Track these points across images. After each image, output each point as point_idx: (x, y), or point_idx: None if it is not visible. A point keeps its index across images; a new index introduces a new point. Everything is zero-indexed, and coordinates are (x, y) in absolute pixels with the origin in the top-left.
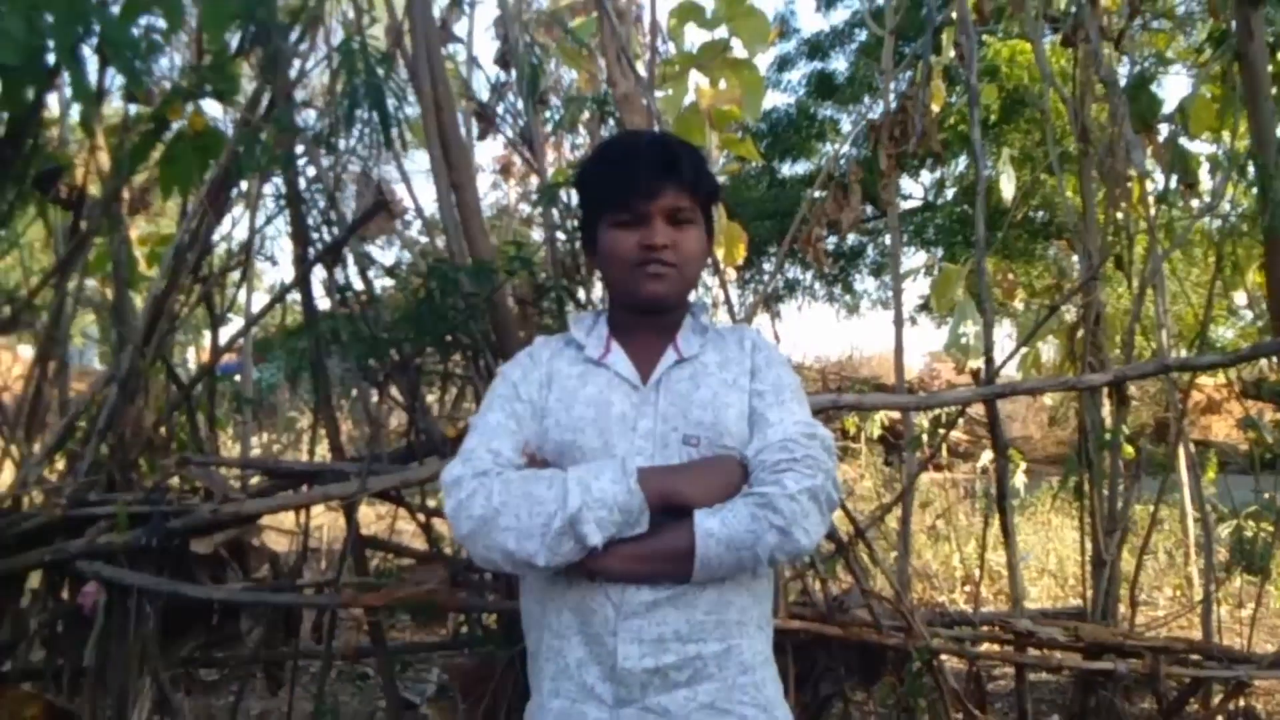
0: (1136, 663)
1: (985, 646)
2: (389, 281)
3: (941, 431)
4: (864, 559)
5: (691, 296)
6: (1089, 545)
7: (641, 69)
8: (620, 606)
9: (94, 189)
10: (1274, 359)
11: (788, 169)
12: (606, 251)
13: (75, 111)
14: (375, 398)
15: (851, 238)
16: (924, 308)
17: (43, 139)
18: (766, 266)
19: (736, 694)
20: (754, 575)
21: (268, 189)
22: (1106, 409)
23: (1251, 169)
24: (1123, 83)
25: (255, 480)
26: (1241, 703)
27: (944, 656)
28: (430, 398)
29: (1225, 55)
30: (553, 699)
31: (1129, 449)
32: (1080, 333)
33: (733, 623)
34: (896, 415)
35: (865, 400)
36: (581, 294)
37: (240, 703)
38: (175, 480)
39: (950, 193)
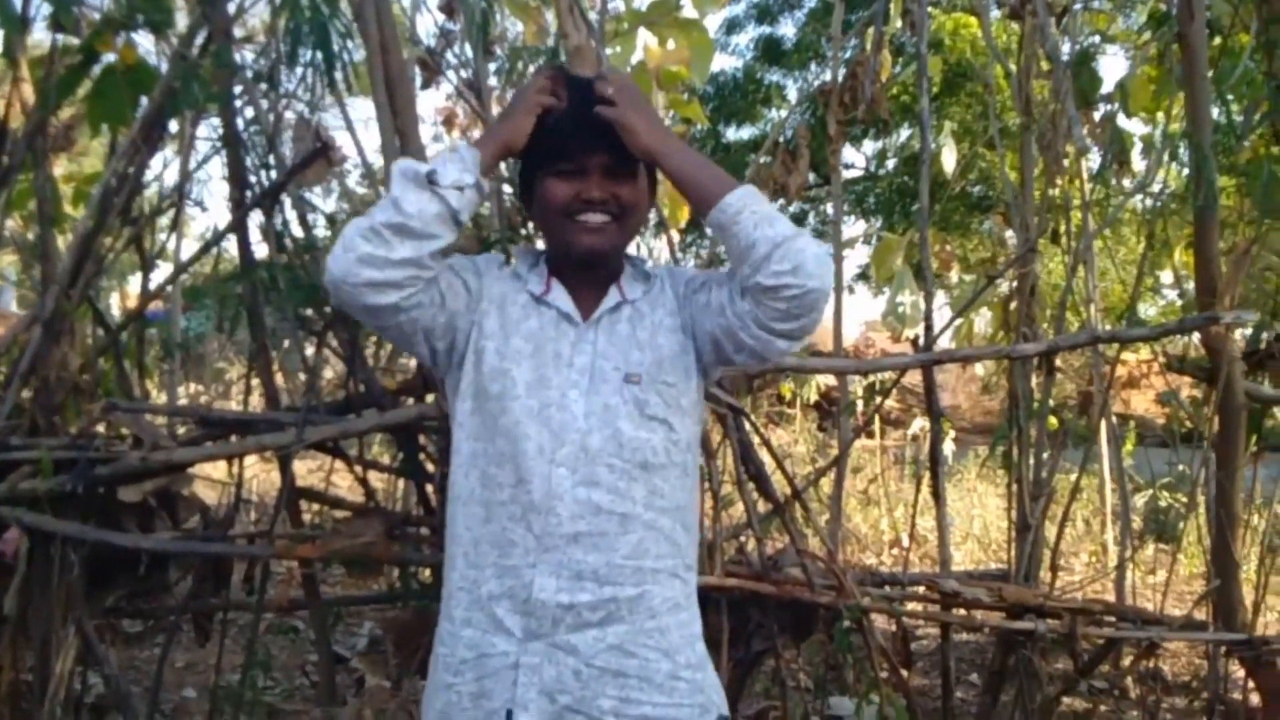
0: (1055, 623)
1: (912, 606)
2: (326, 232)
3: (878, 399)
4: (799, 520)
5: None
6: (1014, 511)
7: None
8: (541, 538)
9: (16, 123)
10: (1195, 335)
11: (733, 134)
12: (543, 202)
13: None
14: (312, 348)
15: (794, 205)
16: (862, 277)
17: None
18: (709, 231)
19: (642, 638)
20: (676, 522)
21: (202, 129)
22: (1036, 381)
23: (1185, 149)
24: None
25: (185, 429)
26: (1151, 664)
27: (873, 615)
28: (368, 350)
29: (1165, 36)
30: (464, 628)
31: (1053, 420)
32: (1014, 304)
33: (649, 570)
34: (833, 381)
35: (806, 364)
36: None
37: (167, 654)
38: (102, 427)
39: (892, 163)
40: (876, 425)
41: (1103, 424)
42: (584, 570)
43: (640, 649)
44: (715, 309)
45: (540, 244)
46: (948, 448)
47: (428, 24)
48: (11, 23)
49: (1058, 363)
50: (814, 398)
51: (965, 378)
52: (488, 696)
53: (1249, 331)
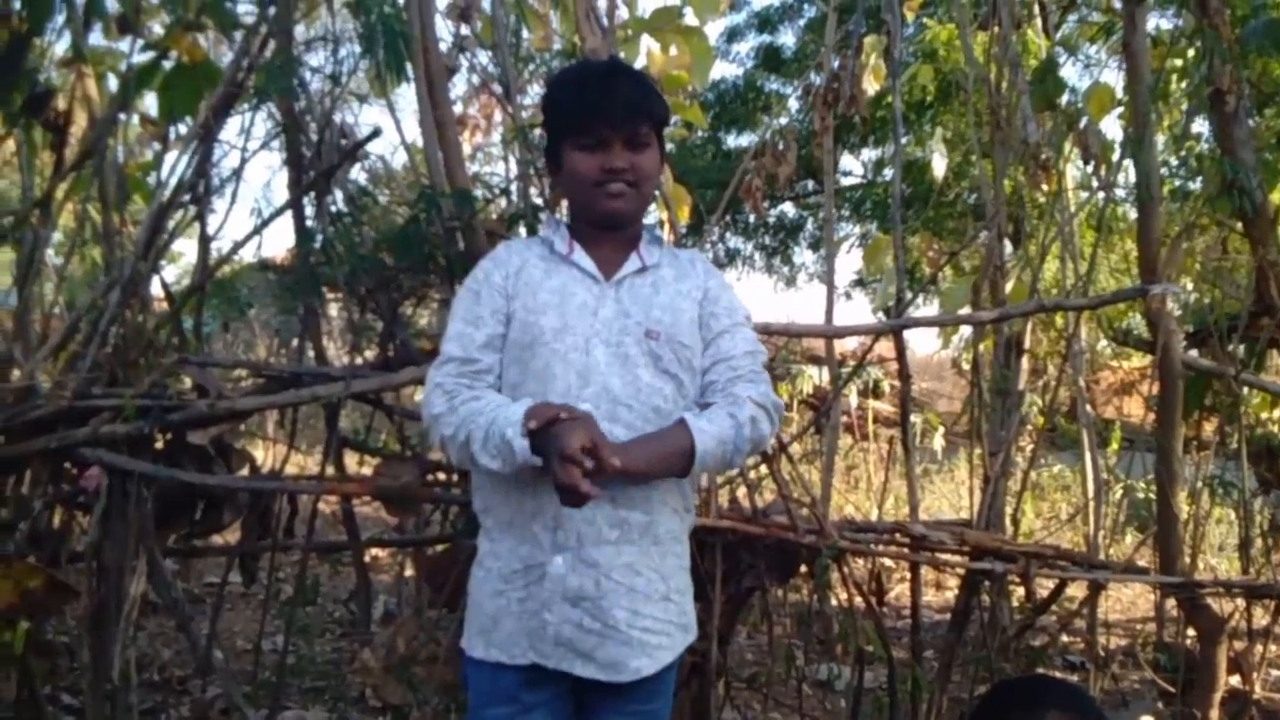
0: (1012, 565)
1: (884, 548)
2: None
3: (859, 376)
4: (785, 473)
5: (649, 219)
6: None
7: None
8: None
9: (81, 115)
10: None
11: (733, 140)
12: (569, 172)
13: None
14: (358, 311)
15: (791, 211)
16: (858, 283)
17: (34, 63)
18: (711, 236)
19: (646, 560)
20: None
21: (259, 117)
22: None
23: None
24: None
25: (245, 382)
26: (1100, 609)
27: (850, 556)
28: (406, 313)
29: (1113, 46)
30: (520, 545)
31: (1041, 419)
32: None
33: (656, 501)
34: (822, 382)
35: (791, 328)
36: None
37: (224, 587)
38: (170, 381)
39: (888, 171)
40: (870, 427)
41: (1084, 423)
42: (603, 492)
43: (645, 569)
44: (704, 359)
45: (559, 214)
46: (938, 443)
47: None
48: (79, 23)
49: (1049, 369)
50: (808, 390)
51: (962, 384)
52: (532, 599)
53: (1182, 303)
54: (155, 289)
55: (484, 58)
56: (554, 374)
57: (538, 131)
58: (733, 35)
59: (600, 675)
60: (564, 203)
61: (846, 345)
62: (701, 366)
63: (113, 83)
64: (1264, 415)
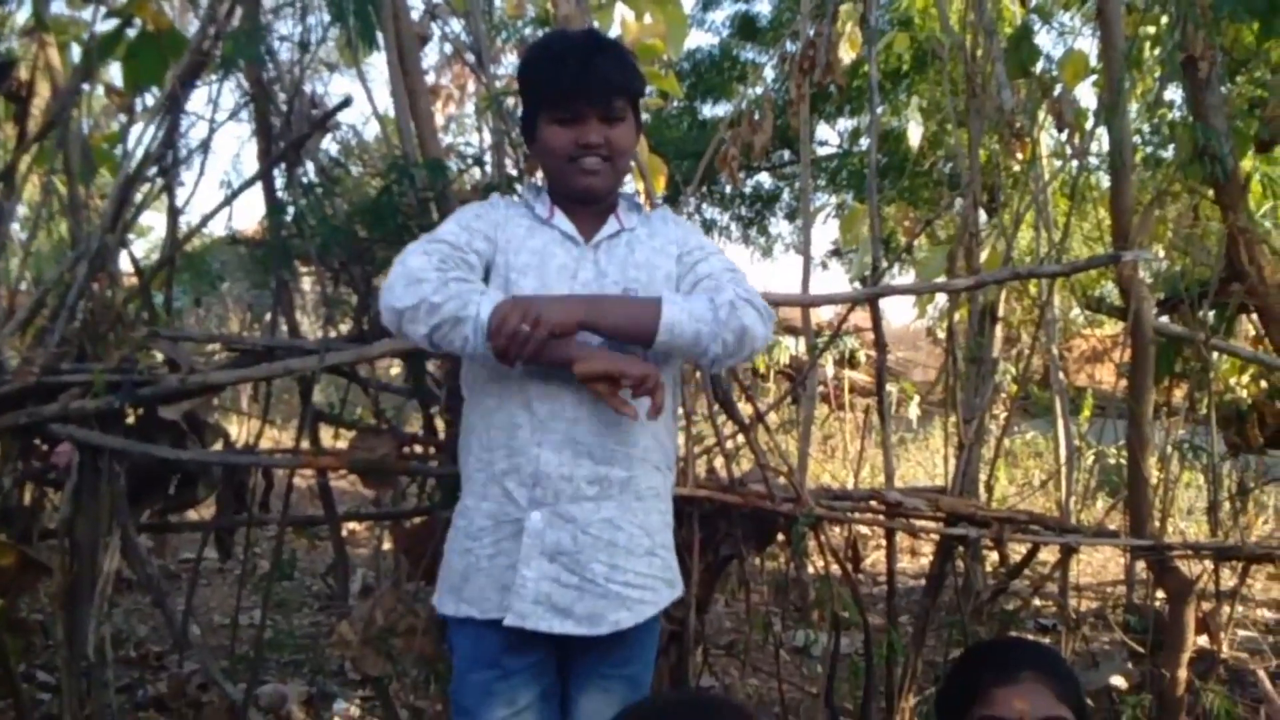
0: (986, 530)
1: (860, 515)
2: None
3: (835, 345)
4: (762, 442)
5: (626, 189)
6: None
7: None
8: (545, 421)
9: (43, 86)
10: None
11: (709, 110)
12: (544, 145)
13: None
14: (331, 284)
15: (767, 182)
16: (835, 253)
17: None
18: (688, 206)
19: (628, 515)
20: (658, 421)
21: (227, 86)
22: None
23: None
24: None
25: (217, 356)
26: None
27: (827, 524)
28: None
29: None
30: (482, 501)
31: (1014, 386)
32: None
33: (636, 458)
34: (799, 352)
35: (767, 298)
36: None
37: (200, 563)
38: (140, 355)
39: (864, 141)
40: (846, 395)
41: (1057, 390)
42: (581, 449)
43: (626, 524)
44: (684, 287)
45: (538, 179)
46: (913, 412)
47: None
48: None
49: (1024, 337)
50: (784, 361)
51: (938, 353)
52: (502, 555)
53: (1153, 270)
54: (124, 263)
55: (457, 26)
56: None
57: (511, 101)
58: (708, 4)
59: (577, 630)
60: (539, 173)
61: (823, 315)
62: (689, 284)
63: (76, 52)
64: (1233, 380)
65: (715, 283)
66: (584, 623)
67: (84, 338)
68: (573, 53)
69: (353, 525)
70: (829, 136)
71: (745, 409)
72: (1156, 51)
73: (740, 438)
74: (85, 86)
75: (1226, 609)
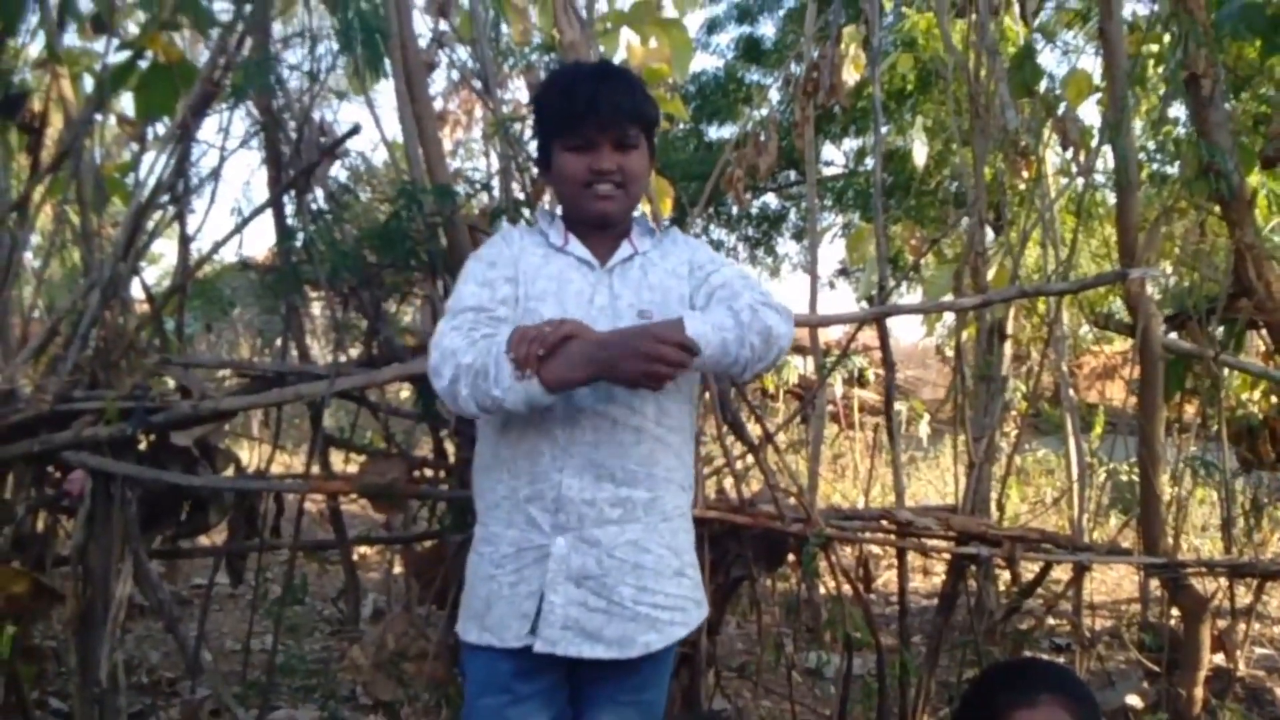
0: (997, 549)
1: (871, 535)
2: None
3: (844, 365)
4: (772, 462)
5: (635, 213)
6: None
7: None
8: (566, 446)
9: (56, 117)
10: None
11: (715, 132)
12: (559, 173)
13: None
14: (341, 309)
15: (774, 202)
16: (842, 272)
17: (7, 64)
18: (694, 228)
19: (655, 536)
20: (680, 439)
21: (237, 115)
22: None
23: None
24: (1041, 54)
25: (228, 382)
26: (1085, 591)
27: (837, 544)
28: (390, 310)
29: (1089, 31)
30: (507, 529)
31: (1024, 404)
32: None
33: (660, 478)
34: (808, 372)
35: None
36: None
37: (211, 588)
38: (153, 382)
39: (869, 161)
40: (855, 414)
41: (1066, 410)
42: (603, 471)
43: (654, 545)
44: (699, 299)
45: (545, 203)
46: (923, 430)
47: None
48: (53, 24)
49: (1033, 355)
50: (793, 380)
51: (946, 371)
52: (525, 582)
53: (1161, 286)
54: (136, 290)
55: (463, 53)
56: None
57: (518, 126)
58: (713, 27)
59: (608, 654)
60: (546, 196)
61: (831, 335)
62: (699, 306)
63: (88, 83)
64: (1244, 396)
65: (730, 291)
66: (614, 646)
67: (96, 365)
68: (585, 82)
69: (363, 549)
70: (834, 157)
71: (754, 429)
72: (1160, 69)
73: (750, 458)
74: (98, 117)
75: (1242, 626)
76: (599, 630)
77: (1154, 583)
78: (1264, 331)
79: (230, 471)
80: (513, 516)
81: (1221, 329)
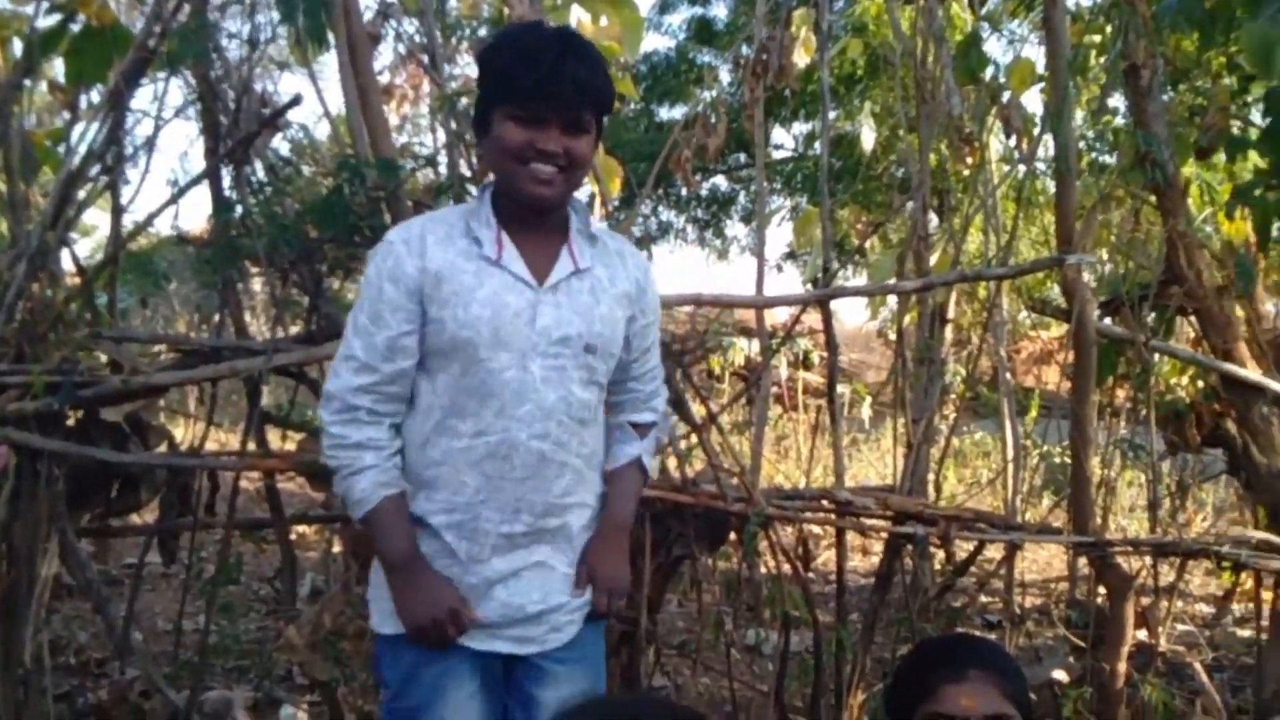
0: (933, 529)
1: (811, 514)
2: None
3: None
4: (715, 443)
5: (581, 193)
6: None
7: None
8: (492, 479)
9: None
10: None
11: (666, 113)
12: (497, 139)
13: None
14: (280, 284)
15: (723, 185)
16: (789, 256)
17: None
18: (643, 209)
19: (558, 555)
20: (590, 464)
21: (174, 83)
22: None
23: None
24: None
25: (163, 357)
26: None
27: (778, 524)
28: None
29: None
30: (424, 540)
31: (963, 388)
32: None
33: (572, 505)
34: (753, 353)
35: (721, 299)
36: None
37: (142, 568)
38: (83, 357)
39: (818, 145)
40: (800, 396)
41: (1004, 391)
42: (524, 506)
43: (558, 563)
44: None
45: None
46: (865, 413)
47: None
48: None
49: (973, 339)
50: (739, 362)
51: (889, 355)
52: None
53: (1096, 273)
54: (66, 262)
55: (410, 26)
56: (490, 392)
57: (465, 101)
58: (665, 7)
59: (506, 648)
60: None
61: (778, 317)
62: (624, 359)
63: (17, 47)
64: (1173, 381)
65: (654, 384)
66: (513, 642)
67: (22, 338)
68: (545, 51)
69: (301, 528)
70: (784, 140)
71: (698, 410)
72: (1101, 60)
73: (693, 438)
74: (27, 82)
75: (1165, 604)
76: (507, 632)
77: (1082, 561)
78: (1193, 318)
79: (164, 448)
80: (424, 540)
81: (1153, 315)
